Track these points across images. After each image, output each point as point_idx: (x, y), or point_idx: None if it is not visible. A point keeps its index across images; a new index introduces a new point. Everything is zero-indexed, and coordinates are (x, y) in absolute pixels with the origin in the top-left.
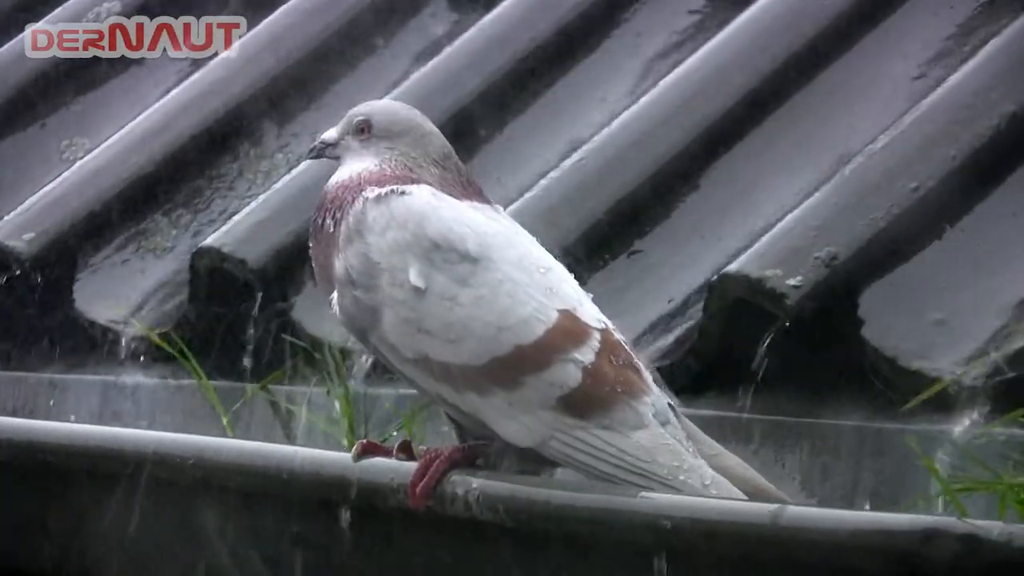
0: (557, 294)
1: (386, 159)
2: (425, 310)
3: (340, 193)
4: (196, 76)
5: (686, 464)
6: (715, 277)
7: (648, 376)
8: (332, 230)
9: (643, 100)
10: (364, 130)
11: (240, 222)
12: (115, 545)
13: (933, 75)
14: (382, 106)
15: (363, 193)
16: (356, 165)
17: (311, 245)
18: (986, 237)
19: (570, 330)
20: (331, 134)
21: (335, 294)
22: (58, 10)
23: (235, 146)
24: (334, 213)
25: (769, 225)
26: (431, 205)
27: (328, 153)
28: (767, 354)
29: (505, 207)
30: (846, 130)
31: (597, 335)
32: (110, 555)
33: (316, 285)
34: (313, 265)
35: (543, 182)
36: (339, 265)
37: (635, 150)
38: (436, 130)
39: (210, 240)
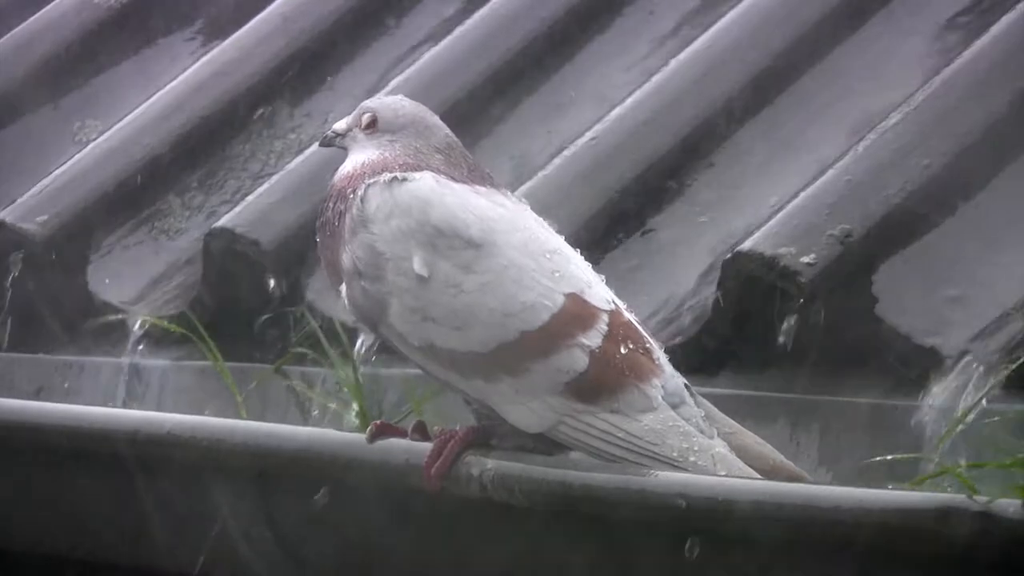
0: (564, 277)
1: (387, 150)
2: (430, 298)
3: (345, 184)
4: (208, 57)
5: (697, 445)
6: (729, 255)
7: (660, 356)
8: (337, 222)
9: (655, 78)
10: (371, 124)
11: (253, 203)
12: (126, 527)
13: (946, 51)
14: (388, 101)
15: (366, 180)
16: (360, 156)
17: (318, 239)
18: (1000, 213)
19: (577, 314)
20: (341, 124)
21: (343, 286)
22: None
23: (248, 127)
24: (338, 204)
25: (783, 203)
26: (434, 191)
27: (338, 143)
28: (781, 332)
29: (518, 187)
30: (859, 107)
31: (605, 317)
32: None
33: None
34: (321, 258)
35: (556, 161)
36: (346, 257)
37: (648, 128)
38: (441, 123)
39: (223, 221)
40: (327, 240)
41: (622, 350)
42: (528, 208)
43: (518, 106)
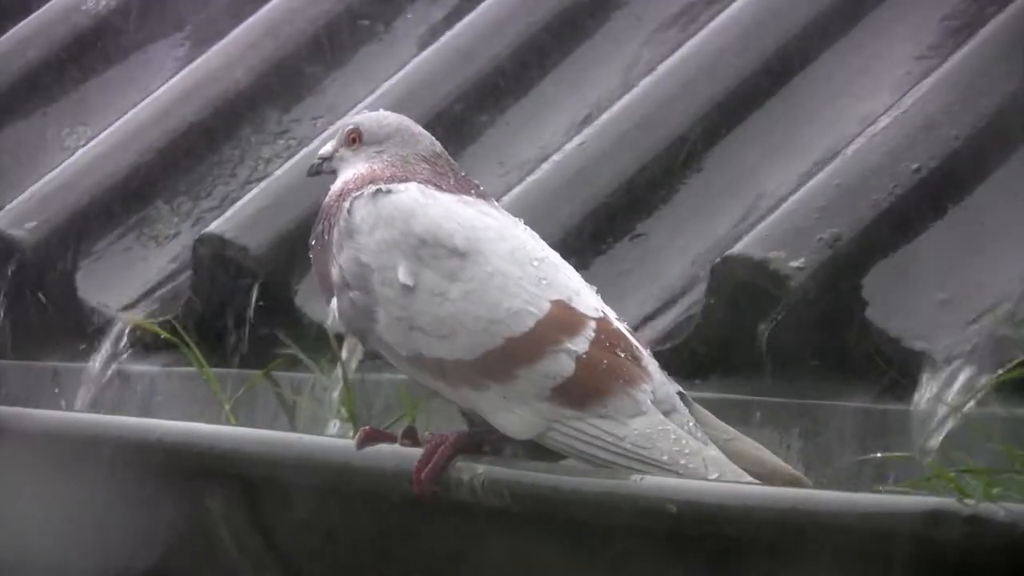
0: (551, 285)
1: (375, 161)
2: (416, 307)
3: (334, 201)
4: (197, 62)
5: (687, 448)
6: (718, 259)
7: (649, 364)
8: (327, 237)
9: (644, 82)
10: (355, 140)
11: (242, 209)
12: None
13: (934, 55)
14: (370, 114)
15: (353, 194)
16: (348, 172)
17: (311, 256)
18: (989, 216)
19: (563, 320)
20: (326, 149)
21: (334, 300)
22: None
23: (236, 132)
24: (328, 221)
25: (772, 207)
26: (418, 202)
27: (325, 168)
28: (771, 336)
29: (507, 192)
30: (848, 111)
31: (592, 324)
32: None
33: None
34: (315, 275)
35: (545, 166)
36: (335, 271)
37: (637, 133)
38: (425, 132)
39: (212, 227)
40: (319, 255)
41: (609, 355)
42: (518, 220)
43: (507, 112)
